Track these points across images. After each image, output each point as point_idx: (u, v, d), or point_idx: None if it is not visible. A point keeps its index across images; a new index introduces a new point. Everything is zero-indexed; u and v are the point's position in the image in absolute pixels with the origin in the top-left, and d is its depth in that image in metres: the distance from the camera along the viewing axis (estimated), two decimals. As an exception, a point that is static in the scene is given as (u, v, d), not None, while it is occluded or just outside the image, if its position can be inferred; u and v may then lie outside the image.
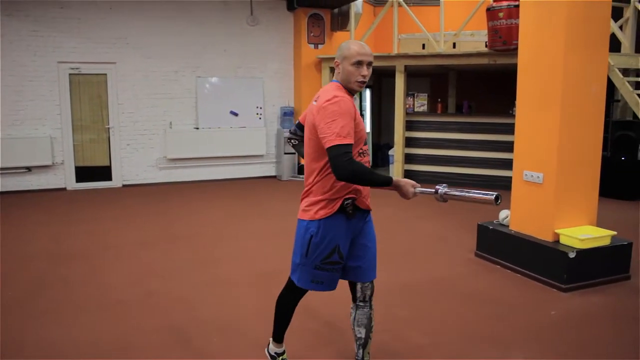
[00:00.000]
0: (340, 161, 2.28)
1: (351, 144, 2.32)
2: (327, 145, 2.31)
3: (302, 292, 2.72)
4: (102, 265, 4.83)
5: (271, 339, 2.90)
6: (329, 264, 2.53)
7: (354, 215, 2.51)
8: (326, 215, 2.47)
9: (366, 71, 2.44)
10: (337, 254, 2.52)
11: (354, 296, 2.71)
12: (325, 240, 2.49)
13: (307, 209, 2.53)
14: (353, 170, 2.29)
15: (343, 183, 2.43)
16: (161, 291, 4.17)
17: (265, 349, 2.96)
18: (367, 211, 2.62)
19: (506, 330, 3.49)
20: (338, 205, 2.46)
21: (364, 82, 2.47)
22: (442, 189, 2.47)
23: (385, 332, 3.44)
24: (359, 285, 2.67)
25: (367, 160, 2.55)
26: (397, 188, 2.45)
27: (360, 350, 2.74)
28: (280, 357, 2.89)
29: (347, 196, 2.47)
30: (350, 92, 2.50)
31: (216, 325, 3.53)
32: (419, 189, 2.48)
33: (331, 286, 2.61)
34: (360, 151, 2.50)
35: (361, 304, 2.70)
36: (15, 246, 5.39)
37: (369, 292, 2.69)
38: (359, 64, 2.42)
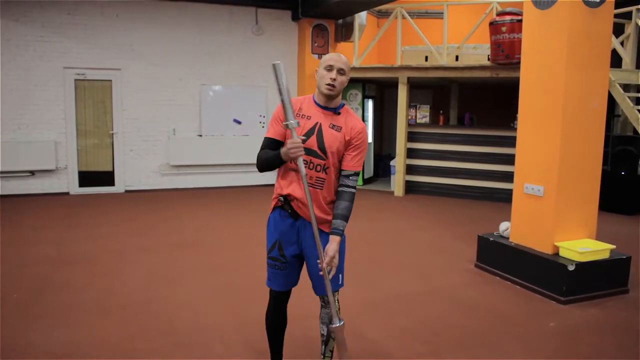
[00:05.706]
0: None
1: (269, 138, 2.64)
2: None
3: (275, 298, 2.76)
4: (104, 269, 4.86)
5: None
6: (271, 259, 2.70)
7: (293, 215, 2.64)
8: (272, 208, 2.73)
9: (335, 75, 2.59)
10: (277, 249, 2.67)
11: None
12: (269, 230, 2.72)
13: None
14: (258, 156, 2.63)
15: (283, 181, 2.66)
16: (163, 296, 4.20)
17: None
18: (318, 226, 2.57)
19: (505, 341, 3.52)
20: (275, 200, 2.70)
21: (332, 86, 2.60)
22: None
23: (386, 340, 3.48)
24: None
25: (312, 174, 2.57)
26: (285, 156, 2.50)
27: (323, 347, 2.88)
28: None
29: (281, 193, 2.65)
30: (324, 96, 2.65)
31: (218, 332, 3.56)
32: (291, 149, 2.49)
33: (277, 285, 2.72)
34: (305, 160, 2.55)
35: (323, 304, 2.80)
36: (18, 249, 5.42)
37: (326, 300, 2.76)
38: (330, 68, 2.61)
